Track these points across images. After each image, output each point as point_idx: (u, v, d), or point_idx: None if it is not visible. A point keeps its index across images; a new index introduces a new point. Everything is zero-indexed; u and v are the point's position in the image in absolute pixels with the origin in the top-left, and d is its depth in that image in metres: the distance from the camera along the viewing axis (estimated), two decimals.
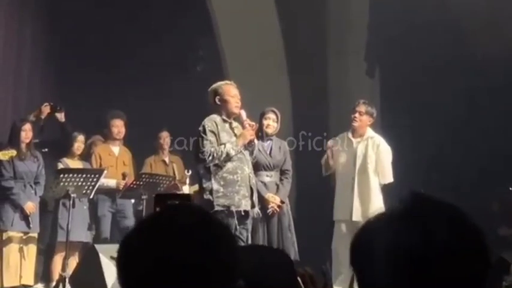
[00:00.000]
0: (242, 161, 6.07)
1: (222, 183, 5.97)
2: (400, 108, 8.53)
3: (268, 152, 6.78)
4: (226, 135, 6.07)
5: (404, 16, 8.72)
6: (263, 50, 9.66)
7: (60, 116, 7.97)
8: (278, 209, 6.65)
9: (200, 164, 6.06)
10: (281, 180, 6.87)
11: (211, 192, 5.94)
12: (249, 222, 6.10)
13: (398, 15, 8.80)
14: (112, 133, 8.06)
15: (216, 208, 5.88)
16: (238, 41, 9.72)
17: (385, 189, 6.94)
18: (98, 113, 8.46)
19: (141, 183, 7.60)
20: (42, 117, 7.90)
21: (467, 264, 1.25)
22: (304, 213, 7.55)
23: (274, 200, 6.66)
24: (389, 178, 6.93)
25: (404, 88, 8.74)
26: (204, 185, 6.01)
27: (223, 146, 5.98)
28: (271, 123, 6.79)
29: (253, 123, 6.26)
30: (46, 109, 7.91)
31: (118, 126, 8.05)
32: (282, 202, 6.72)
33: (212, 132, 6.02)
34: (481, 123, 8.20)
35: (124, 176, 7.84)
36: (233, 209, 5.93)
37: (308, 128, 7.94)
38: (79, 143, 7.82)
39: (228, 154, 5.97)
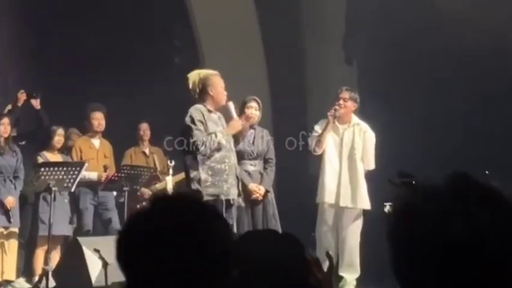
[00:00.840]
0: (229, 150, 6.10)
1: (210, 172, 5.98)
2: (383, 97, 8.55)
3: (251, 141, 6.77)
4: (213, 125, 6.08)
5: (382, 4, 8.75)
6: (241, 40, 9.64)
7: (36, 103, 7.85)
8: (262, 198, 6.65)
9: (188, 154, 6.05)
10: (265, 169, 6.85)
11: (199, 182, 5.95)
12: (234, 211, 6.13)
13: (376, 3, 8.83)
14: (92, 126, 8.00)
15: (206, 198, 5.87)
16: (215, 31, 9.68)
17: (368, 175, 6.98)
18: (75, 105, 8.38)
19: (123, 175, 7.59)
20: (19, 104, 7.78)
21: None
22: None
23: (258, 190, 6.66)
24: (372, 165, 6.99)
25: (386, 77, 8.77)
26: (192, 175, 6.00)
27: (214, 135, 5.99)
28: (254, 112, 6.75)
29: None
30: (22, 96, 7.79)
31: (98, 119, 8.00)
32: (267, 191, 6.72)
33: (201, 122, 6.02)
34: (460, 110, 8.25)
35: (105, 168, 7.80)
36: (222, 197, 5.95)
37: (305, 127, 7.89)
38: (59, 137, 7.74)
39: (219, 143, 5.99)
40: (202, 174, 5.97)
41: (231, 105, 6.26)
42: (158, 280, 1.42)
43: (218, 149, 6.00)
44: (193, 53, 9.75)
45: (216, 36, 9.64)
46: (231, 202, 6.05)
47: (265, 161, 6.89)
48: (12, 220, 7.07)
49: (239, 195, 6.15)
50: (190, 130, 5.97)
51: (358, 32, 9.36)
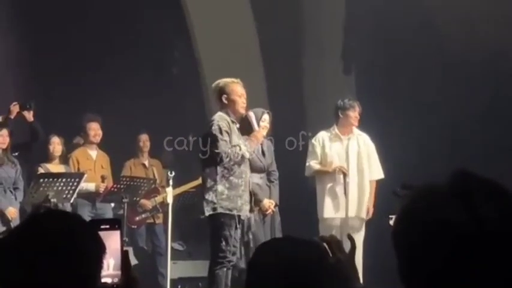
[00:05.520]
0: (246, 165, 6.23)
1: (227, 185, 6.09)
2: (380, 104, 8.78)
3: (261, 154, 6.92)
4: (235, 137, 6.16)
5: (380, 11, 8.99)
6: (239, 50, 9.87)
7: (29, 115, 7.88)
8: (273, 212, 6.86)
9: (208, 163, 6.13)
10: (271, 181, 7.02)
11: (215, 193, 6.07)
12: (252, 224, 6.42)
13: (374, 10, 9.08)
14: (89, 136, 8.16)
15: (219, 210, 6.06)
16: (214, 42, 9.92)
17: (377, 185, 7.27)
18: (73, 115, 8.57)
19: (122, 186, 7.75)
20: (12, 117, 7.84)
21: None
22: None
23: (271, 205, 6.84)
24: (382, 174, 7.28)
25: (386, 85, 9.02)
26: (208, 185, 6.10)
27: (238, 147, 6.07)
28: (266, 125, 6.79)
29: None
30: (15, 108, 7.83)
31: (94, 129, 8.16)
32: (276, 205, 6.92)
33: (227, 132, 6.07)
34: (459, 118, 8.47)
35: (103, 178, 7.96)
36: (235, 213, 6.10)
37: (307, 127, 8.11)
38: (54, 145, 7.89)
39: (243, 156, 6.10)
40: (220, 186, 6.06)
41: (252, 116, 6.38)
42: None
43: (239, 163, 6.11)
44: (192, 64, 9.98)
45: (214, 46, 9.87)
46: (242, 218, 6.20)
47: (269, 174, 7.03)
48: None
49: (251, 211, 6.33)
50: (216, 140, 6.01)
51: (356, 39, 9.62)
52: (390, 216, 5.25)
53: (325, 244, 2.05)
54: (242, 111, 6.24)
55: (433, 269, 1.29)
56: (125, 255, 1.96)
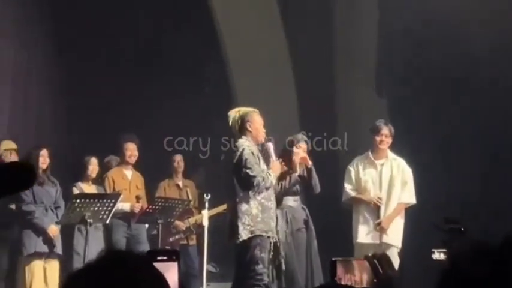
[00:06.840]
0: (272, 189, 6.49)
1: (260, 208, 6.35)
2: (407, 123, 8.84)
3: (297, 178, 7.07)
4: (262, 163, 6.47)
5: (413, 28, 9.08)
6: (270, 63, 9.99)
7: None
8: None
9: (242, 187, 6.38)
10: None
11: (250, 216, 6.32)
12: (282, 247, 6.56)
13: (407, 26, 9.17)
14: (125, 156, 8.32)
15: (257, 233, 6.30)
16: (245, 57, 10.05)
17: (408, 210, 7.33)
18: (109, 136, 8.71)
19: (157, 207, 7.87)
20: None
21: None
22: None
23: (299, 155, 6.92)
24: (414, 199, 7.30)
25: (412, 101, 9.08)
26: (243, 208, 6.34)
27: (267, 172, 6.36)
28: (300, 152, 7.00)
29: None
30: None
31: (131, 150, 8.31)
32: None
33: (258, 157, 6.42)
34: (488, 139, 8.51)
35: (138, 199, 8.10)
36: (270, 234, 6.37)
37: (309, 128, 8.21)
38: (93, 166, 8.12)
39: (271, 183, 6.39)
40: (254, 209, 6.33)
41: (271, 146, 6.61)
42: None
43: (268, 188, 6.39)
44: (224, 85, 10.11)
45: (246, 65, 10.01)
46: (274, 240, 6.45)
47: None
48: (55, 249, 7.36)
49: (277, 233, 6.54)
50: (251, 164, 6.28)
51: (388, 62, 9.69)
52: (433, 250, 5.31)
53: (375, 261, 2.12)
54: (262, 139, 6.55)
55: None
56: None
